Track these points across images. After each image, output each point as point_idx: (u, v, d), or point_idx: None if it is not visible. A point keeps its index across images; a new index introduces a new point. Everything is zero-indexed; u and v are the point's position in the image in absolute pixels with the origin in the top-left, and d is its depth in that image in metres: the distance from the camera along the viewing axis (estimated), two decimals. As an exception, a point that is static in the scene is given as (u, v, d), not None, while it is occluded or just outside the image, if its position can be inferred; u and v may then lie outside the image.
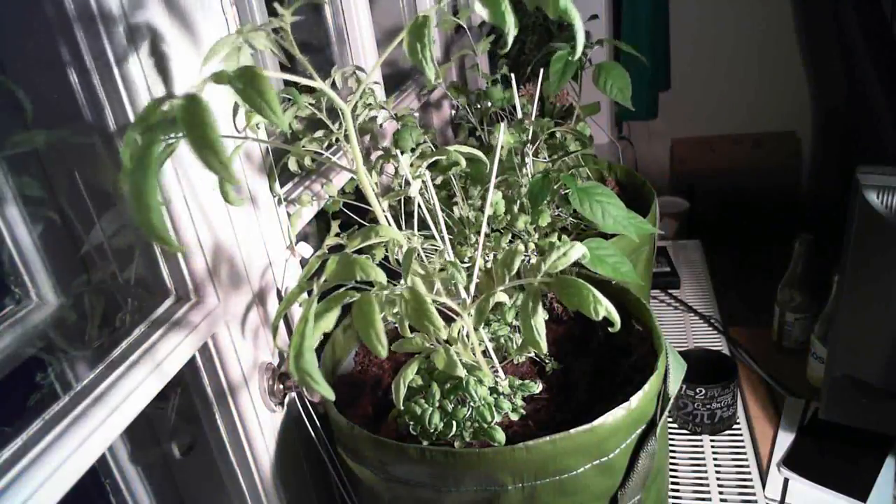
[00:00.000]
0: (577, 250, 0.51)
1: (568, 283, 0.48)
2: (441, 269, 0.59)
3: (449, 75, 1.40)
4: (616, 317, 0.48)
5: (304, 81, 0.48)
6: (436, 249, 0.68)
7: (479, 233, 0.64)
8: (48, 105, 0.53)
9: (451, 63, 1.32)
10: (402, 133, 0.85)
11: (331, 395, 0.43)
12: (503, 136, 0.69)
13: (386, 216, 0.60)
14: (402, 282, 0.54)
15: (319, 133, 0.75)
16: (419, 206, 0.66)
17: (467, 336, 0.60)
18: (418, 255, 0.59)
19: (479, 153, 0.64)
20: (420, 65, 0.42)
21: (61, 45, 0.51)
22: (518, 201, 0.84)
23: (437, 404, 0.61)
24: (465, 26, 1.06)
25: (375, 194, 0.57)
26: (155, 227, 0.34)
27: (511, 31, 0.40)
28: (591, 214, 0.75)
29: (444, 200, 0.83)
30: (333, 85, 0.80)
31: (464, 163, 0.64)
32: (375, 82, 1.02)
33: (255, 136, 0.63)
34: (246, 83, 0.36)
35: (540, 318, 0.50)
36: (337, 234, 0.74)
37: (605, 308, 0.47)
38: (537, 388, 0.65)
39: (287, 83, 0.82)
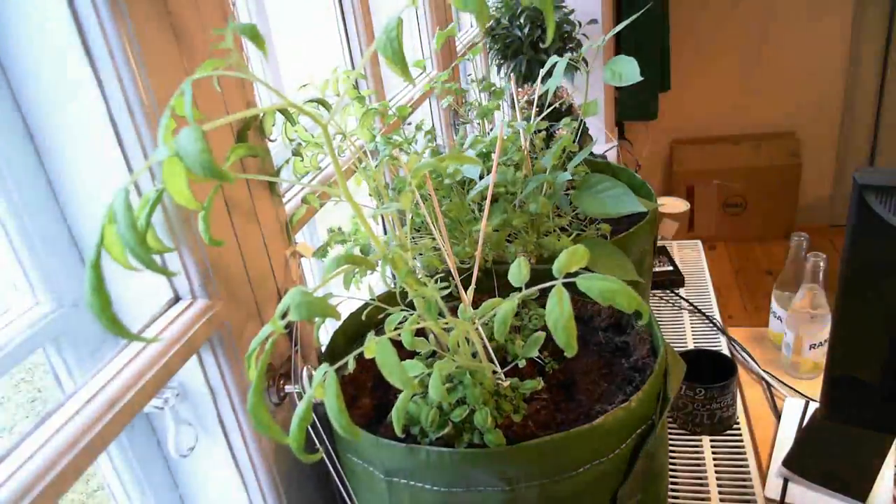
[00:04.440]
0: (583, 253, 0.50)
1: (599, 280, 0.47)
2: (439, 274, 0.59)
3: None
4: (646, 308, 0.48)
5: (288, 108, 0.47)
6: (435, 249, 0.68)
7: (477, 231, 0.64)
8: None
9: (451, 67, 1.32)
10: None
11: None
12: (501, 132, 0.69)
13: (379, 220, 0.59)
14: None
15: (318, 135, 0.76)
16: (417, 207, 0.66)
17: (468, 341, 0.60)
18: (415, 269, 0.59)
19: (475, 158, 0.63)
20: (393, 66, 0.41)
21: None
22: (515, 202, 0.84)
23: (435, 404, 0.61)
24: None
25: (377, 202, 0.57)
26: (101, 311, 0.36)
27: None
28: (599, 208, 0.74)
29: (440, 198, 0.83)
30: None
31: (459, 172, 0.64)
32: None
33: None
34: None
35: (571, 319, 0.48)
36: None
37: (637, 302, 0.47)
38: (539, 385, 0.65)
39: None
